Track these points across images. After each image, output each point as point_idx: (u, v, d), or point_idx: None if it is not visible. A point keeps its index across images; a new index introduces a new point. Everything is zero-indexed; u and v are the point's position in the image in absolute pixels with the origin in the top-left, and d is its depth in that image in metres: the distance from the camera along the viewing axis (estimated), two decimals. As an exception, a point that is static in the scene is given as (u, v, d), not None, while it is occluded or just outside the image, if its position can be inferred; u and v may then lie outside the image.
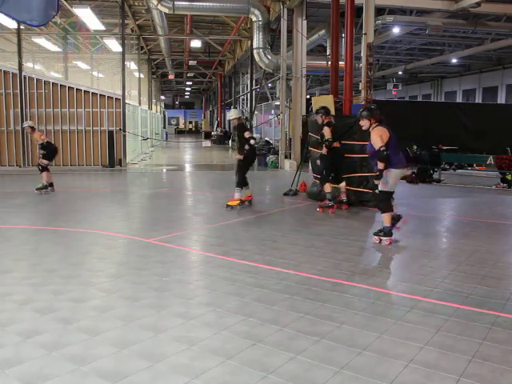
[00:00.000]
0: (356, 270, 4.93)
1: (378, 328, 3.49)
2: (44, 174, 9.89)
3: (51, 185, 10.06)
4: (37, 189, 9.83)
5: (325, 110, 8.28)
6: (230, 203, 8.25)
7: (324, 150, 8.10)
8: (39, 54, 22.06)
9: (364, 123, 6.09)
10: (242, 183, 8.31)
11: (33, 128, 10.07)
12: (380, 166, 5.82)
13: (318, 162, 8.30)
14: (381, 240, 6.03)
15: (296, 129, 15.71)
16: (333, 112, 9.46)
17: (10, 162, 15.34)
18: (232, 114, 8.51)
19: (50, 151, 10.05)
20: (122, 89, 16.27)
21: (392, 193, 6.13)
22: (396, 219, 6.26)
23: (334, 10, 10.26)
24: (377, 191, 6.17)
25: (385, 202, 6.08)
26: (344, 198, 8.45)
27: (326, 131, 8.03)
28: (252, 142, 8.10)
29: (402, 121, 17.34)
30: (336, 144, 8.14)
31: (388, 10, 15.39)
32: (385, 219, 6.08)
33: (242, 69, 29.34)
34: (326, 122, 8.14)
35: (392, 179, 5.97)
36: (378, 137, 5.85)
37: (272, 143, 20.23)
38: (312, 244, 5.97)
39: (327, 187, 8.21)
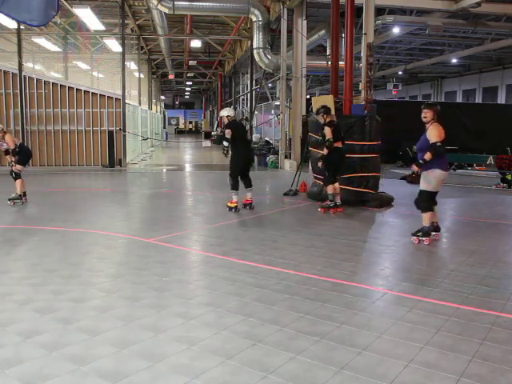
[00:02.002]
0: (356, 270, 4.93)
1: (378, 328, 3.49)
2: (18, 182, 8.62)
3: (24, 194, 8.80)
4: (9, 199, 8.61)
5: (325, 109, 8.14)
6: (228, 204, 8.18)
7: (325, 151, 7.90)
8: (39, 54, 22.07)
9: (429, 115, 5.87)
10: (235, 186, 8.07)
11: (4, 131, 8.52)
12: (427, 156, 5.68)
13: (320, 164, 8.07)
14: (419, 240, 5.95)
15: (296, 129, 15.71)
16: (333, 112, 9.47)
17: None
18: (224, 113, 8.19)
19: (24, 155, 8.86)
20: (122, 89, 16.27)
21: (435, 193, 5.97)
22: (436, 229, 6.13)
23: (333, 10, 10.25)
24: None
25: (426, 201, 5.94)
26: (338, 200, 8.20)
27: (327, 131, 7.85)
28: (225, 143, 7.82)
29: (403, 121, 17.43)
30: (338, 144, 7.96)
31: (388, 10, 15.38)
32: (424, 218, 5.97)
33: (242, 69, 29.34)
34: (327, 121, 8.00)
35: (435, 180, 5.85)
36: (438, 131, 5.75)
37: (272, 143, 20.23)
38: (312, 244, 5.96)
39: (330, 188, 8.10)
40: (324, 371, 2.87)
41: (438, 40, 21.30)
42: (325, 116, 8.05)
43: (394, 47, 24.09)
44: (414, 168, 5.92)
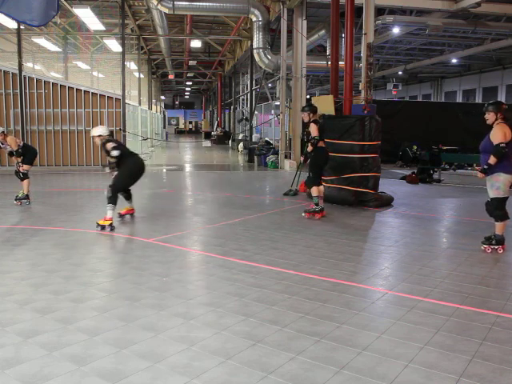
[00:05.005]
0: (356, 270, 4.93)
1: (378, 328, 3.49)
2: (25, 182, 8.67)
3: (27, 196, 8.76)
4: (16, 199, 8.68)
5: (311, 108, 7.84)
6: (101, 222, 6.74)
7: (309, 148, 7.65)
8: (39, 54, 22.07)
9: (490, 117, 5.59)
10: (115, 200, 6.88)
11: (4, 133, 8.52)
12: (492, 160, 5.38)
13: (302, 159, 7.87)
14: (492, 249, 5.63)
15: (296, 129, 15.71)
16: (333, 112, 9.47)
17: (10, 161, 15.34)
18: (95, 133, 7.22)
19: (30, 155, 8.86)
20: (122, 89, 16.28)
21: (506, 198, 5.58)
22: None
23: (333, 9, 10.27)
24: (489, 199, 5.64)
25: (501, 209, 5.57)
26: (321, 204, 7.83)
27: (313, 128, 7.55)
28: (114, 153, 6.88)
29: (402, 121, 17.45)
30: (321, 143, 7.69)
31: (388, 10, 15.40)
32: (498, 228, 5.63)
33: (242, 69, 29.35)
34: (312, 119, 7.70)
35: (502, 184, 5.49)
36: (502, 132, 5.41)
37: (272, 143, 20.24)
38: (312, 244, 5.97)
39: (314, 190, 7.73)
40: (324, 371, 2.87)
41: (438, 40, 21.32)
42: (310, 114, 7.75)
43: (394, 47, 24.11)
44: (480, 176, 5.57)
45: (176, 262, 5.16)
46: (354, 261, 5.28)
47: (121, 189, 7.18)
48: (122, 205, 7.46)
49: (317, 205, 7.73)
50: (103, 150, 7.21)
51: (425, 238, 6.45)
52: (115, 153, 6.88)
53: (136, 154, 7.58)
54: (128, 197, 7.59)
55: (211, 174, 15.32)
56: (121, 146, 7.41)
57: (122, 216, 7.46)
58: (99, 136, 7.16)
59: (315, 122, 7.66)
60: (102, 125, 7.37)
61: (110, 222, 6.72)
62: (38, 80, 15.61)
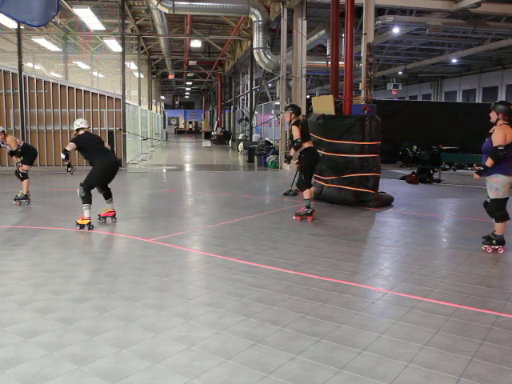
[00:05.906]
0: (356, 270, 4.93)
1: (378, 328, 3.49)
2: (25, 182, 8.68)
3: (26, 196, 8.77)
4: (15, 199, 8.69)
5: (294, 109, 7.58)
6: (79, 221, 6.79)
7: (292, 152, 7.46)
8: (39, 54, 22.07)
9: (491, 116, 5.55)
10: (89, 199, 6.81)
11: (4, 133, 8.55)
12: (489, 162, 5.39)
13: (284, 165, 7.64)
14: (493, 249, 5.63)
15: (296, 129, 15.69)
16: (333, 112, 9.47)
17: (10, 161, 15.34)
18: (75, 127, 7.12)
19: (30, 154, 8.90)
20: (122, 89, 16.27)
21: (507, 199, 5.58)
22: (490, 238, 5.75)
23: (333, 9, 10.25)
24: (488, 200, 5.64)
25: (501, 210, 5.58)
26: (312, 205, 7.67)
27: (295, 131, 7.28)
28: (62, 155, 6.93)
29: (402, 121, 17.45)
30: (309, 143, 7.47)
31: (388, 10, 15.39)
32: (498, 228, 5.63)
33: (242, 69, 29.35)
34: (294, 120, 7.44)
35: (501, 186, 5.48)
36: (503, 134, 5.35)
37: (272, 143, 20.24)
38: (312, 244, 5.97)
39: (307, 193, 7.52)
40: (324, 371, 2.87)
41: (438, 40, 21.32)
42: (292, 115, 7.50)
43: (394, 47, 24.10)
44: (476, 177, 5.63)
45: (176, 262, 5.17)
46: (354, 261, 5.28)
47: (93, 186, 6.94)
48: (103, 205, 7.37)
49: (308, 207, 7.57)
50: None
51: (425, 238, 6.45)
52: (62, 155, 6.91)
53: (109, 152, 7.26)
54: (107, 195, 7.27)
55: (211, 174, 15.32)
56: (91, 142, 7.12)
57: (101, 218, 7.25)
58: (78, 130, 7.12)
59: (297, 123, 7.41)
60: (84, 119, 7.04)
61: (87, 222, 6.74)
62: (38, 80, 15.59)
